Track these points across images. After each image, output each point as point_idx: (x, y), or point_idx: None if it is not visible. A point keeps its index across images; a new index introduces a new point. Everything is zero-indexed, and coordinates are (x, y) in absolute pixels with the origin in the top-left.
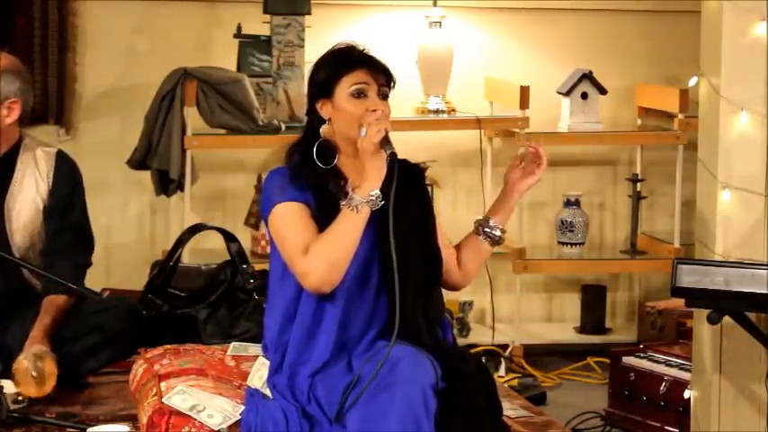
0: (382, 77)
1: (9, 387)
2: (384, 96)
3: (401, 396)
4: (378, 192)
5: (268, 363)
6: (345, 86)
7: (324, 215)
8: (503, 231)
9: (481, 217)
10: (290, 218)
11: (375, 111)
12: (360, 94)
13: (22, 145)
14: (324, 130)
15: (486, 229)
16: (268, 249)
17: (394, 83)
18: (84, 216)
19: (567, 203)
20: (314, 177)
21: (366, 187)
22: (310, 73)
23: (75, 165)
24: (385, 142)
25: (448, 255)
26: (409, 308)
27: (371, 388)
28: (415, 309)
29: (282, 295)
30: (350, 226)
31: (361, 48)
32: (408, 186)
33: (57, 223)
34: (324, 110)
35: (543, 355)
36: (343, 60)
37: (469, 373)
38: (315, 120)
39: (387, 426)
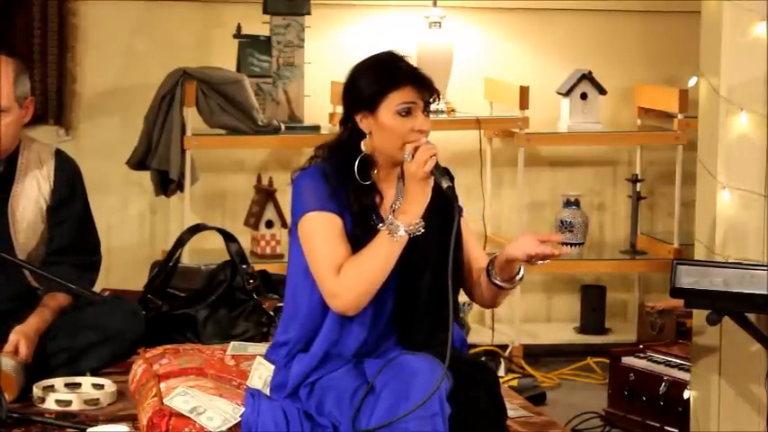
0: (427, 93)
1: None
2: (428, 112)
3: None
4: (421, 221)
5: (267, 363)
6: (392, 104)
7: (358, 232)
8: (504, 280)
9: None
10: (323, 230)
11: (421, 132)
12: (406, 113)
13: (21, 145)
14: (366, 144)
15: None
16: (267, 250)
17: (438, 96)
18: (88, 214)
19: (567, 204)
20: (354, 193)
21: (411, 215)
22: (350, 81)
23: (75, 163)
24: (439, 172)
25: (474, 266)
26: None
27: (390, 399)
28: (422, 326)
29: (309, 294)
30: (387, 252)
31: (406, 58)
32: (436, 196)
33: (60, 222)
34: (364, 123)
35: (543, 355)
36: (390, 75)
37: (479, 380)
38: (353, 131)
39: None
